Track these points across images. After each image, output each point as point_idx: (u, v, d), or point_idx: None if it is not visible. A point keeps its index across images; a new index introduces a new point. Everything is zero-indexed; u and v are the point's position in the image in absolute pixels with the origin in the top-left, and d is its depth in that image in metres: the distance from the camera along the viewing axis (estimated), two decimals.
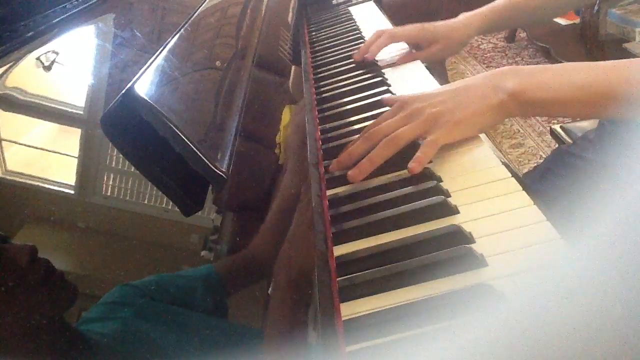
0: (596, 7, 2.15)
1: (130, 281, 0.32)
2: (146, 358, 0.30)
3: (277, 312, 0.38)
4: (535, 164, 0.96)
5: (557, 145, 1.00)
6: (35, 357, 0.26)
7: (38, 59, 0.42)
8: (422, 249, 0.45)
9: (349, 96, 0.78)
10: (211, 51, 0.62)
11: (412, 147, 0.56)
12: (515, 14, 0.90)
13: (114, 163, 0.40)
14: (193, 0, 0.70)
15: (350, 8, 1.29)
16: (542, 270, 0.39)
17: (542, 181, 0.82)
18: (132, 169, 0.40)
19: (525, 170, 1.10)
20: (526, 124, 2.16)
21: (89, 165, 0.40)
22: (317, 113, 0.77)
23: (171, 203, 0.40)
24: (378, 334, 0.38)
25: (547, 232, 0.43)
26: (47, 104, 0.41)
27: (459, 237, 0.44)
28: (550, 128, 1.05)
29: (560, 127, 1.01)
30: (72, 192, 0.37)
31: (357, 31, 1.08)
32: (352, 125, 0.70)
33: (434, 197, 0.50)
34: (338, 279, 0.44)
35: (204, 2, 0.69)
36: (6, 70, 0.39)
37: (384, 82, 0.79)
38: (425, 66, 0.85)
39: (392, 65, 0.89)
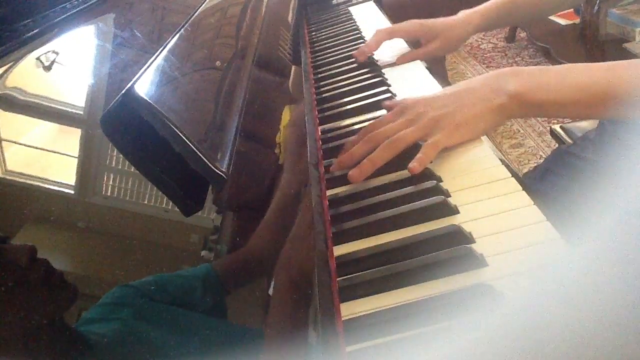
0: (596, 7, 2.14)
1: (130, 281, 0.32)
2: (146, 358, 0.30)
3: (278, 312, 0.38)
4: (535, 164, 0.96)
5: (557, 145, 1.00)
6: (35, 357, 0.26)
7: (38, 59, 0.42)
8: (422, 249, 0.45)
9: (349, 96, 0.78)
10: (211, 51, 0.62)
11: (412, 149, 0.56)
12: (514, 11, 0.90)
13: (114, 163, 0.40)
14: (193, 0, 0.70)
15: (350, 8, 1.29)
16: (542, 270, 0.39)
17: (542, 181, 0.82)
18: (132, 169, 0.40)
19: (525, 170, 1.10)
20: (526, 124, 2.16)
21: (89, 165, 0.40)
22: (317, 113, 0.77)
23: (171, 203, 0.40)
24: (378, 334, 0.38)
25: (547, 232, 0.43)
26: (47, 104, 0.41)
27: (459, 237, 0.44)
28: (550, 128, 1.05)
29: (560, 127, 1.01)
30: (72, 192, 0.37)
31: (357, 31, 1.08)
32: (352, 125, 0.70)
33: (434, 197, 0.50)
34: (338, 279, 0.44)
35: (204, 2, 0.69)
36: (6, 70, 0.39)
37: (384, 82, 0.79)
38: (425, 66, 0.85)
39: (391, 65, 0.89)
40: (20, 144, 0.37)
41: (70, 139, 0.41)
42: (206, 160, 0.40)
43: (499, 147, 2.03)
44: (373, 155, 0.56)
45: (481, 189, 0.51)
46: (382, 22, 1.14)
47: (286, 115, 0.69)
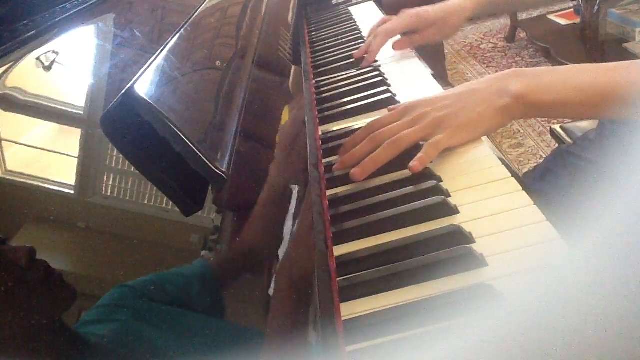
0: (596, 7, 2.15)
1: (130, 281, 0.32)
2: (145, 359, 0.30)
3: (278, 312, 0.38)
4: (535, 164, 0.96)
5: (557, 145, 1.00)
6: (35, 358, 0.26)
7: (38, 59, 0.42)
8: (422, 249, 0.45)
9: (349, 96, 0.78)
10: (211, 51, 0.62)
11: (414, 149, 0.56)
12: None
13: (114, 163, 0.40)
14: (193, 0, 0.70)
15: (350, 8, 1.29)
16: (542, 270, 0.39)
17: (542, 181, 0.82)
18: (132, 169, 0.40)
19: (525, 170, 1.11)
20: (526, 124, 2.16)
21: (89, 165, 0.40)
22: (317, 113, 0.77)
23: (171, 203, 0.40)
24: (378, 334, 0.38)
25: (547, 232, 0.43)
26: (47, 104, 0.41)
27: (459, 237, 0.44)
28: (550, 128, 1.05)
29: (560, 127, 1.01)
30: (72, 192, 0.37)
31: (357, 31, 1.08)
32: (352, 126, 0.70)
33: (434, 197, 0.50)
34: (338, 279, 0.44)
35: (204, 2, 0.69)
36: (6, 70, 0.39)
37: (384, 82, 0.79)
38: (431, 74, 0.85)
39: (389, 57, 0.90)
40: (20, 144, 0.37)
41: (70, 139, 0.41)
42: (206, 160, 0.40)
43: (499, 147, 2.03)
44: (375, 154, 0.57)
45: (481, 189, 0.51)
46: None
47: (286, 115, 0.69)
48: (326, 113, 0.76)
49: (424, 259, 0.43)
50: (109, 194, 0.39)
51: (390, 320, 0.39)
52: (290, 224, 0.46)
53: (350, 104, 0.76)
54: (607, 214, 0.43)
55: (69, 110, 0.42)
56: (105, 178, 0.39)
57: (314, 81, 0.89)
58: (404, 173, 0.54)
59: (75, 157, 0.39)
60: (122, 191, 0.39)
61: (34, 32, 0.44)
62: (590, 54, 2.22)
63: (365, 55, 0.89)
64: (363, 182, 0.56)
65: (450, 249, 0.43)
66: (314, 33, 1.17)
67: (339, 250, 0.48)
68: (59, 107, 0.41)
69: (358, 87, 0.81)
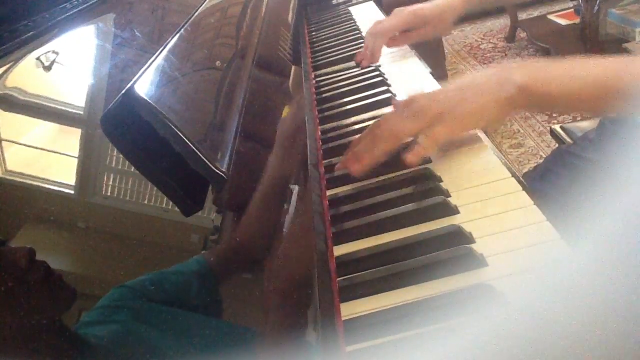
0: (596, 7, 2.15)
1: (129, 281, 0.32)
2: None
3: (278, 312, 0.38)
4: (535, 164, 0.96)
5: (557, 145, 1.00)
6: (35, 359, 0.26)
7: (38, 59, 0.42)
8: (422, 249, 0.45)
9: (349, 96, 0.78)
10: (211, 51, 0.62)
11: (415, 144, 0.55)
12: None
13: (114, 163, 0.40)
14: (193, 0, 0.70)
15: (350, 8, 1.29)
16: (542, 270, 0.39)
17: (542, 181, 0.82)
18: (132, 169, 0.40)
19: (525, 170, 1.11)
20: (526, 124, 2.16)
21: (89, 165, 0.40)
22: (317, 113, 0.77)
23: (171, 203, 0.40)
24: (378, 334, 0.38)
25: (547, 232, 0.43)
26: (47, 104, 0.41)
27: (459, 237, 0.44)
28: (550, 128, 1.05)
29: (560, 127, 1.01)
30: (72, 192, 0.37)
31: (357, 31, 1.08)
32: (352, 125, 0.70)
33: (434, 197, 0.50)
34: (338, 279, 0.44)
35: (204, 2, 0.69)
36: (6, 70, 0.39)
37: (384, 82, 0.79)
38: (429, 72, 0.85)
39: (390, 57, 0.90)
40: (20, 144, 0.37)
41: (70, 139, 0.41)
42: (206, 160, 0.40)
43: (499, 147, 2.03)
44: (372, 147, 0.56)
45: (481, 189, 0.51)
46: None
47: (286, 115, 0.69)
48: (326, 113, 0.76)
49: (424, 259, 0.43)
50: (109, 194, 0.39)
51: (390, 320, 0.39)
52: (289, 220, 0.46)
53: (350, 104, 0.76)
54: (607, 214, 0.43)
55: (69, 110, 0.42)
56: (105, 178, 0.39)
57: (314, 81, 0.89)
58: (405, 173, 0.54)
59: (75, 157, 0.39)
60: (122, 191, 0.39)
61: (34, 32, 0.44)
62: (590, 54, 2.21)
63: (371, 62, 0.90)
64: (363, 182, 0.56)
65: (451, 249, 0.43)
66: (314, 33, 1.17)
67: (339, 250, 0.48)
68: (59, 107, 0.41)
69: (358, 87, 0.81)
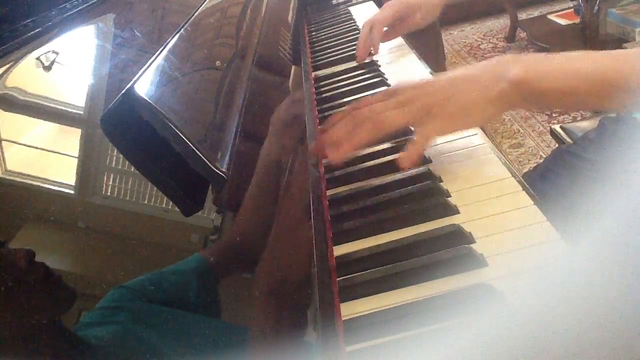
0: (596, 7, 2.15)
1: (128, 282, 0.32)
2: None
3: (277, 313, 0.38)
4: (535, 164, 0.96)
5: (557, 145, 1.00)
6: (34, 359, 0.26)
7: (38, 59, 0.42)
8: (422, 249, 0.45)
9: (349, 96, 0.78)
10: (211, 51, 0.62)
11: (403, 135, 0.55)
12: None
13: (114, 163, 0.40)
14: (193, 0, 0.70)
15: (350, 8, 1.29)
16: (542, 270, 0.39)
17: (542, 181, 0.82)
18: (132, 169, 0.40)
19: (525, 170, 1.11)
20: (526, 124, 2.16)
21: (89, 165, 0.40)
22: (317, 113, 0.77)
23: (171, 203, 0.40)
24: (378, 334, 0.38)
25: (547, 232, 0.43)
26: (47, 104, 0.41)
27: (459, 237, 0.44)
28: (550, 128, 1.05)
29: (560, 127, 1.01)
30: (72, 192, 0.37)
31: (358, 31, 1.08)
32: None
33: (434, 197, 0.50)
34: (338, 279, 0.44)
35: (204, 2, 0.69)
36: (6, 70, 0.39)
37: (383, 82, 0.79)
38: (429, 72, 0.85)
39: (390, 57, 0.91)
40: (20, 144, 0.37)
41: (70, 139, 0.41)
42: (206, 160, 0.40)
43: (499, 147, 2.03)
44: (353, 134, 0.53)
45: (481, 189, 0.51)
46: None
47: None
48: (326, 113, 0.76)
49: (424, 259, 0.43)
50: (109, 194, 0.39)
51: (390, 320, 0.39)
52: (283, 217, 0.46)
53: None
54: (606, 214, 0.43)
55: (69, 110, 0.42)
56: (105, 178, 0.39)
57: (313, 81, 0.89)
58: (405, 173, 0.54)
59: (75, 157, 0.39)
60: (122, 191, 0.39)
61: (34, 32, 0.44)
62: None
63: (372, 54, 0.91)
64: (363, 182, 0.56)
65: (451, 249, 0.43)
66: (314, 33, 1.17)
67: (339, 250, 0.48)
68: (59, 107, 0.41)
69: (358, 87, 0.81)
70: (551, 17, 2.82)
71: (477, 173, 0.53)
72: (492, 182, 0.51)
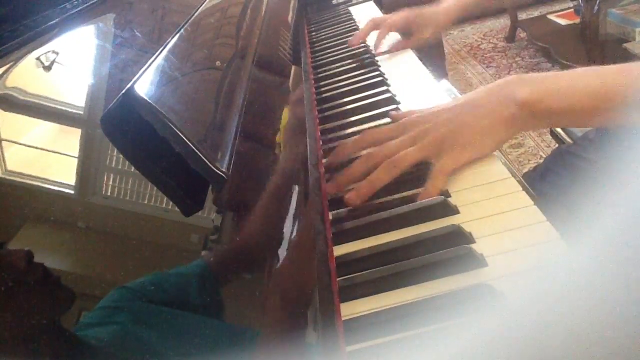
0: (596, 7, 2.15)
1: (130, 281, 0.32)
2: None
3: (277, 313, 0.38)
4: (535, 164, 0.96)
5: (557, 145, 1.00)
6: None
7: (38, 59, 0.42)
8: (422, 249, 0.45)
9: (349, 96, 0.78)
10: (211, 51, 0.62)
11: (415, 169, 0.54)
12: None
13: (114, 163, 0.40)
14: (193, 0, 0.70)
15: (350, 8, 1.29)
16: (542, 270, 0.39)
17: (542, 181, 0.82)
18: (132, 169, 0.40)
19: (525, 170, 1.11)
20: None
21: (89, 165, 0.40)
22: (317, 113, 0.77)
23: (171, 203, 0.40)
24: (378, 334, 0.38)
25: (547, 232, 0.43)
26: (47, 104, 0.41)
27: (459, 237, 0.44)
28: (550, 128, 1.05)
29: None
30: (72, 192, 0.37)
31: (357, 31, 1.08)
32: (352, 125, 0.70)
33: (434, 197, 0.50)
34: (338, 279, 0.44)
35: (204, 2, 0.69)
36: (6, 70, 0.39)
37: (383, 82, 0.79)
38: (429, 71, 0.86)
39: (387, 52, 0.94)
40: (20, 144, 0.37)
41: (70, 139, 0.41)
42: (206, 160, 0.40)
43: None
44: (372, 176, 0.53)
45: (481, 189, 0.51)
46: None
47: (286, 115, 0.69)
48: (326, 113, 0.76)
49: (424, 259, 0.43)
50: (109, 194, 0.39)
51: (390, 320, 0.39)
52: (290, 224, 0.46)
53: (350, 104, 0.76)
54: (607, 214, 0.43)
55: (69, 110, 0.42)
56: (105, 178, 0.39)
57: (313, 81, 0.89)
58: (405, 173, 0.54)
59: (75, 157, 0.39)
60: (122, 191, 0.39)
61: (34, 32, 0.44)
62: (590, 54, 2.22)
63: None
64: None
65: (451, 249, 0.43)
66: (314, 33, 1.17)
67: (339, 250, 0.48)
68: (59, 107, 0.41)
69: (358, 87, 0.81)
70: (551, 17, 2.82)
71: (477, 173, 0.53)
72: (492, 182, 0.51)
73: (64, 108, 0.42)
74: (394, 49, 0.93)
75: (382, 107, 0.71)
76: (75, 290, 0.30)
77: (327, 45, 1.06)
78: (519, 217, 0.46)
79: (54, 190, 0.36)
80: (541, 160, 0.99)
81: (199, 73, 0.56)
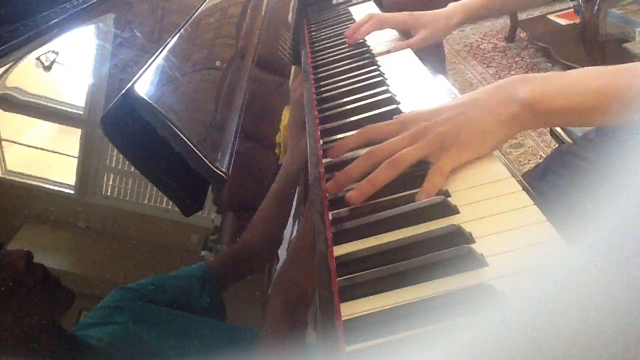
0: (596, 7, 2.15)
1: (130, 282, 0.32)
2: None
3: (277, 314, 0.38)
4: (535, 164, 0.96)
5: (557, 145, 1.00)
6: None
7: (38, 59, 0.42)
8: (422, 249, 0.45)
9: (349, 96, 0.78)
10: (211, 51, 0.62)
11: (415, 166, 0.54)
12: (497, 5, 1.00)
13: (114, 163, 0.40)
14: (193, 0, 0.70)
15: (350, 8, 1.29)
16: (542, 270, 0.39)
17: (542, 181, 0.82)
18: (132, 169, 0.40)
19: (525, 170, 1.11)
20: None
21: (89, 165, 0.40)
22: (317, 113, 0.77)
23: (171, 203, 0.40)
24: (378, 334, 0.38)
25: (547, 232, 0.43)
26: (47, 104, 0.41)
27: (459, 237, 0.44)
28: (550, 128, 1.05)
29: (560, 127, 1.01)
30: (72, 192, 0.37)
31: None
32: (352, 125, 0.70)
33: (434, 197, 0.50)
34: (338, 279, 0.44)
35: (204, 2, 0.69)
36: (6, 70, 0.39)
37: (383, 82, 0.79)
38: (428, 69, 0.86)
39: (385, 52, 0.95)
40: (20, 144, 0.37)
41: (70, 139, 0.41)
42: (206, 160, 0.40)
43: None
44: (373, 175, 0.53)
45: (481, 189, 0.51)
46: None
47: (286, 115, 0.69)
48: (326, 113, 0.76)
49: (424, 259, 0.43)
50: (109, 194, 0.39)
51: (390, 320, 0.39)
52: (290, 225, 0.46)
53: (350, 104, 0.76)
54: (606, 214, 0.43)
55: (69, 110, 0.42)
56: (105, 178, 0.39)
57: (313, 81, 0.89)
58: (405, 174, 0.54)
59: (75, 157, 0.39)
60: (122, 191, 0.39)
61: (34, 32, 0.44)
62: (590, 54, 2.22)
63: (355, 37, 0.97)
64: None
65: (451, 249, 0.43)
66: (314, 33, 1.17)
67: (339, 250, 0.48)
68: (59, 107, 0.41)
69: (358, 87, 0.81)
70: (551, 17, 2.82)
71: (477, 173, 0.53)
72: (492, 182, 0.51)
73: (64, 108, 0.42)
74: (394, 49, 0.94)
75: (382, 107, 0.71)
76: (75, 290, 0.30)
77: (327, 45, 1.06)
78: (519, 217, 0.46)
79: (54, 190, 0.36)
80: (541, 160, 0.99)
81: (199, 73, 0.56)
